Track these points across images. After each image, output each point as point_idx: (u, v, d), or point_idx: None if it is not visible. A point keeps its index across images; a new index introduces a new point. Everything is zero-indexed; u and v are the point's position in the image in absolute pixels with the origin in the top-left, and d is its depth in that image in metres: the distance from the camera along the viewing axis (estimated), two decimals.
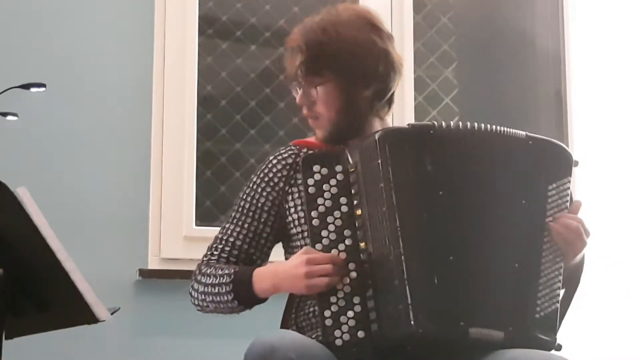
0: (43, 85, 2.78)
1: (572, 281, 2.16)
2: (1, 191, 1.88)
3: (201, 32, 3.54)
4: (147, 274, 3.27)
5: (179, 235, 3.36)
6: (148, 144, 3.36)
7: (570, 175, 2.11)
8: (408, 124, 2.08)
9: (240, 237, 2.19)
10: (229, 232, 2.21)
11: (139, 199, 3.32)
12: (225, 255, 2.19)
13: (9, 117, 2.72)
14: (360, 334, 1.93)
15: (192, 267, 2.24)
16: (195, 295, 2.19)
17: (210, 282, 2.14)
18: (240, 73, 3.65)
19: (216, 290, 2.13)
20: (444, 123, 2.04)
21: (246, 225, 2.19)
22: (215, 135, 3.59)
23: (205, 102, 3.56)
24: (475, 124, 2.06)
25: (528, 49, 4.00)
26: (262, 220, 2.19)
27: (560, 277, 2.06)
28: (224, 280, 2.12)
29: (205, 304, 2.18)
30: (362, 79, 2.14)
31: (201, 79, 3.52)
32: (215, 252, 2.21)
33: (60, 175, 3.25)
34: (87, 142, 3.29)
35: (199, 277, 2.18)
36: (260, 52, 3.69)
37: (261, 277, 2.09)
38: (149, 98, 3.38)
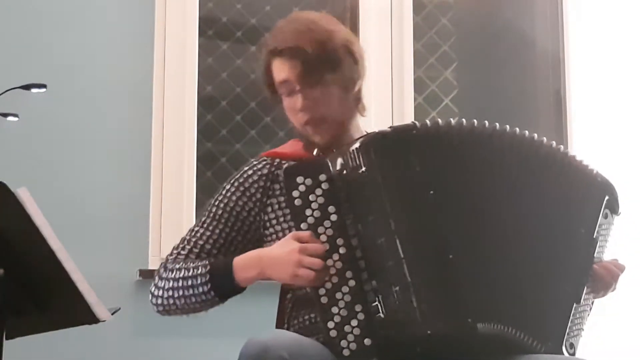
0: (44, 86, 2.78)
1: None
2: (1, 191, 1.88)
3: (201, 33, 3.54)
4: (148, 274, 3.25)
5: (179, 236, 3.27)
6: (148, 144, 3.36)
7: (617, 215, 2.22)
8: (389, 127, 2.02)
9: (210, 241, 2.12)
10: (198, 234, 2.14)
11: (139, 199, 3.32)
12: (193, 257, 2.11)
13: (10, 118, 2.72)
14: (367, 341, 1.89)
15: None
16: (159, 294, 2.10)
17: (181, 275, 2.06)
18: (240, 74, 3.66)
19: (189, 283, 2.04)
20: (428, 122, 2.00)
21: (217, 231, 2.12)
22: (215, 136, 3.60)
23: (205, 103, 3.56)
24: (486, 123, 2.07)
25: (528, 50, 4.00)
26: (236, 228, 2.12)
27: (589, 312, 2.13)
28: (199, 272, 2.04)
29: (171, 302, 2.08)
30: (354, 77, 2.10)
31: (201, 80, 3.52)
32: (183, 252, 2.13)
33: (60, 175, 3.24)
34: (87, 142, 3.29)
35: (164, 274, 2.10)
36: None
37: (244, 264, 2.01)
38: (150, 98, 3.38)
